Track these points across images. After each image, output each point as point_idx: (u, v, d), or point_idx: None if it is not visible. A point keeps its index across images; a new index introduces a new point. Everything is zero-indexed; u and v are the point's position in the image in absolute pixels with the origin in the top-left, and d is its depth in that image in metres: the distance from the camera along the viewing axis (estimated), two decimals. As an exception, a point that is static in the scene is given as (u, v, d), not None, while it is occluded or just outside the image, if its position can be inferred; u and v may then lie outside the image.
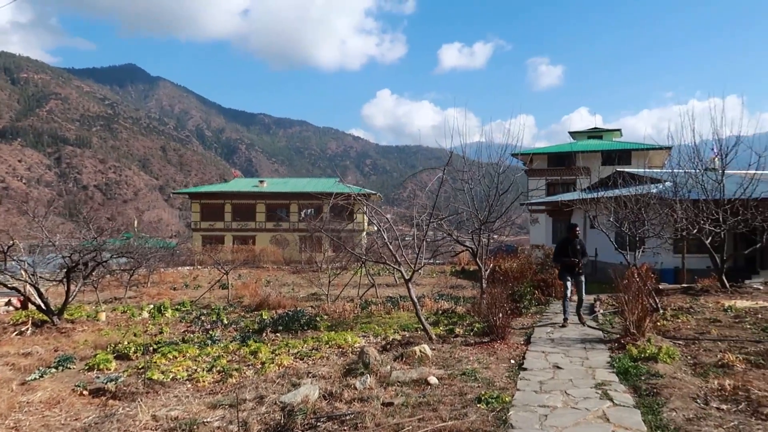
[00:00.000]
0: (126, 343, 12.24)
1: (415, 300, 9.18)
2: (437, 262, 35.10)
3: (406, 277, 9.31)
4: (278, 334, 13.19)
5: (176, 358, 10.80)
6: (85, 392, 8.83)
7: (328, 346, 10.36)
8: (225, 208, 49.48)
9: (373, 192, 47.18)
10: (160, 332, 14.29)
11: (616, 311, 11.48)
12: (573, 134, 53.02)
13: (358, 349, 9.97)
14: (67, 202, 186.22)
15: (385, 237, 9.58)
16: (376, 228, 9.79)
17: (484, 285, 12.26)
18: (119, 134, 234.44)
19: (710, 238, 14.53)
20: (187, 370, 9.64)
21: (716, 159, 17.98)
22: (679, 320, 9.94)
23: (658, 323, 9.47)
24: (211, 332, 13.65)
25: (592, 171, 39.21)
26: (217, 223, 49.50)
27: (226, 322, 15.07)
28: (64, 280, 14.82)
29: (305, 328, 13.66)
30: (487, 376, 6.32)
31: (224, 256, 36.39)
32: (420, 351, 7.19)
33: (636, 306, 7.72)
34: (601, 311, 11.57)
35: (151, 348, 11.86)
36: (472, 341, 8.52)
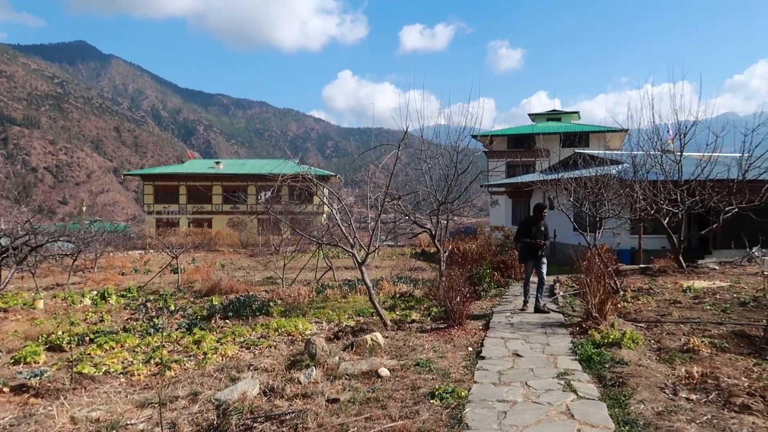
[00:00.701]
0: (60, 333, 11.34)
1: (369, 284, 8.66)
2: (398, 244, 34.77)
3: (359, 260, 8.76)
4: (228, 321, 12.51)
5: (113, 348, 10.03)
6: (5, 389, 8.00)
7: (277, 333, 9.76)
8: (180, 190, 47.85)
9: (333, 174, 46.34)
10: (101, 320, 13.39)
11: (577, 293, 11.23)
12: (532, 116, 53.17)
13: (309, 337, 9.42)
14: (16, 184, 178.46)
15: (338, 218, 8.98)
16: (333, 210, 9.16)
17: (443, 267, 11.82)
18: (70, 114, 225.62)
19: (668, 219, 14.49)
20: (122, 362, 8.92)
21: (672, 141, 18.00)
22: (640, 302, 9.72)
23: (619, 305, 9.20)
24: (155, 320, 12.86)
25: (552, 153, 39.33)
26: (171, 206, 47.88)
27: (173, 308, 14.26)
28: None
29: (257, 313, 13.01)
30: (442, 367, 5.84)
31: (178, 240, 35.25)
32: (372, 340, 6.67)
33: (598, 288, 7.38)
34: (561, 293, 11.30)
35: (87, 338, 11.01)
36: (428, 327, 8.06)
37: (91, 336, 11.11)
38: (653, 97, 13.98)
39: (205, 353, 8.65)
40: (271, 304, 14.23)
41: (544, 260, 9.61)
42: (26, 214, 13.87)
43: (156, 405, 5.89)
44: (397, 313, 10.51)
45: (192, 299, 16.36)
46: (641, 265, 16.00)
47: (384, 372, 5.69)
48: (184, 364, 8.30)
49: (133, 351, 9.76)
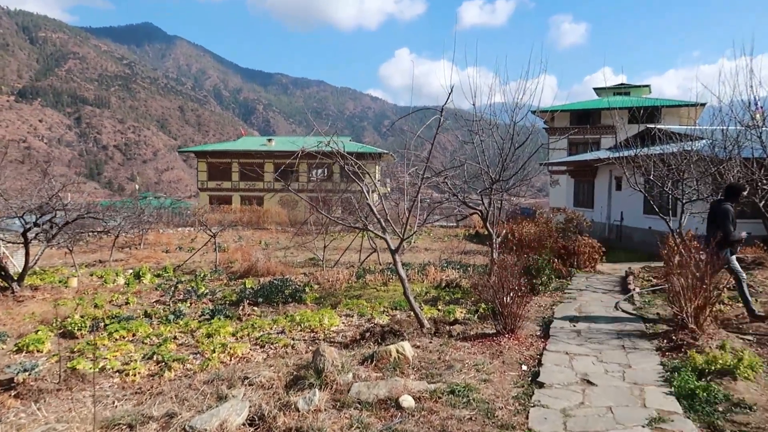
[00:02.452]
0: (77, 317, 10.54)
1: (404, 276, 7.22)
2: (454, 224, 33.15)
3: (392, 247, 7.32)
4: (256, 308, 11.44)
5: (123, 338, 9.09)
6: (-9, 384, 7.14)
7: (299, 328, 8.51)
8: (232, 167, 47.65)
9: (385, 151, 44.82)
10: (126, 303, 12.59)
11: (656, 289, 9.44)
12: (598, 90, 49.73)
13: (333, 335, 8.14)
14: (88, 162, 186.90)
15: (369, 198, 7.57)
16: (362, 187, 7.72)
17: (495, 255, 10.24)
18: (137, 94, 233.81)
19: (764, 202, 12.39)
20: (125, 357, 7.91)
21: (761, 114, 15.59)
22: (740, 305, 7.84)
23: (714, 308, 7.39)
24: (180, 304, 11.95)
25: (619, 129, 36.48)
26: (224, 183, 47.81)
27: (203, 291, 13.32)
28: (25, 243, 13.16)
29: (289, 300, 11.90)
30: (485, 397, 4.36)
31: (226, 217, 34.91)
32: (397, 351, 5.24)
33: (695, 291, 5.66)
34: (637, 289, 9.49)
35: (102, 324, 10.15)
36: (472, 332, 6.54)
37: (107, 321, 10.27)
38: (751, 61, 11.63)
39: (213, 350, 7.49)
40: (307, 289, 13.09)
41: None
42: (53, 188, 13.13)
43: (124, 427, 4.71)
44: (439, 308, 9.05)
45: (226, 281, 15.44)
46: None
47: (406, 401, 4.27)
48: (187, 364, 7.18)
49: (142, 342, 8.77)
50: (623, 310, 7.73)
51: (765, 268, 11.51)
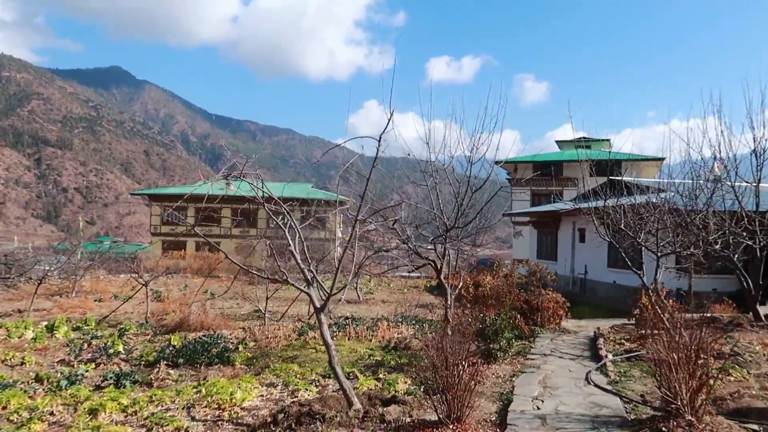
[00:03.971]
0: (-53, 382, 8.68)
1: (329, 343, 5.79)
2: (414, 275, 31.86)
3: (317, 305, 5.93)
4: (174, 371, 9.78)
5: (-9, 411, 7.34)
6: None
7: (205, 403, 6.91)
8: (188, 212, 45.68)
9: (346, 198, 43.62)
10: (22, 363, 10.73)
11: (631, 356, 8.19)
12: (560, 143, 50.05)
13: (243, 414, 6.57)
14: (46, 204, 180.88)
15: (293, 244, 6.22)
16: (285, 233, 6.34)
17: (450, 313, 8.93)
18: (102, 137, 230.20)
19: (736, 256, 11.61)
20: (-26, 441, 6.21)
21: (719, 168, 15.14)
22: (732, 377, 6.65)
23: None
24: (84, 366, 10.21)
25: (585, 175, 36.29)
26: (178, 228, 45.69)
27: (117, 349, 11.53)
28: None
29: (215, 361, 10.32)
30: None
31: (179, 264, 32.97)
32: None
33: (693, 369, 4.41)
34: (610, 356, 8.21)
35: (-25, 391, 8.34)
36: (410, 418, 5.11)
37: (-17, 388, 8.46)
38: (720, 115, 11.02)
39: (84, 434, 5.84)
40: (240, 347, 11.52)
41: None
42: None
43: None
44: (381, 376, 7.57)
45: (152, 336, 13.66)
46: (705, 314, 12.80)
47: None
48: (44, 455, 5.54)
49: (8, 419, 7.03)
50: (596, 385, 6.43)
51: (745, 330, 10.43)
